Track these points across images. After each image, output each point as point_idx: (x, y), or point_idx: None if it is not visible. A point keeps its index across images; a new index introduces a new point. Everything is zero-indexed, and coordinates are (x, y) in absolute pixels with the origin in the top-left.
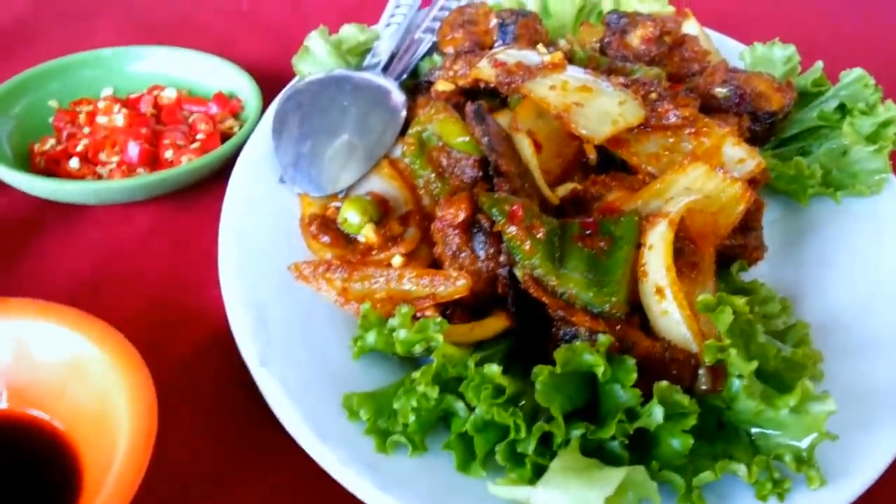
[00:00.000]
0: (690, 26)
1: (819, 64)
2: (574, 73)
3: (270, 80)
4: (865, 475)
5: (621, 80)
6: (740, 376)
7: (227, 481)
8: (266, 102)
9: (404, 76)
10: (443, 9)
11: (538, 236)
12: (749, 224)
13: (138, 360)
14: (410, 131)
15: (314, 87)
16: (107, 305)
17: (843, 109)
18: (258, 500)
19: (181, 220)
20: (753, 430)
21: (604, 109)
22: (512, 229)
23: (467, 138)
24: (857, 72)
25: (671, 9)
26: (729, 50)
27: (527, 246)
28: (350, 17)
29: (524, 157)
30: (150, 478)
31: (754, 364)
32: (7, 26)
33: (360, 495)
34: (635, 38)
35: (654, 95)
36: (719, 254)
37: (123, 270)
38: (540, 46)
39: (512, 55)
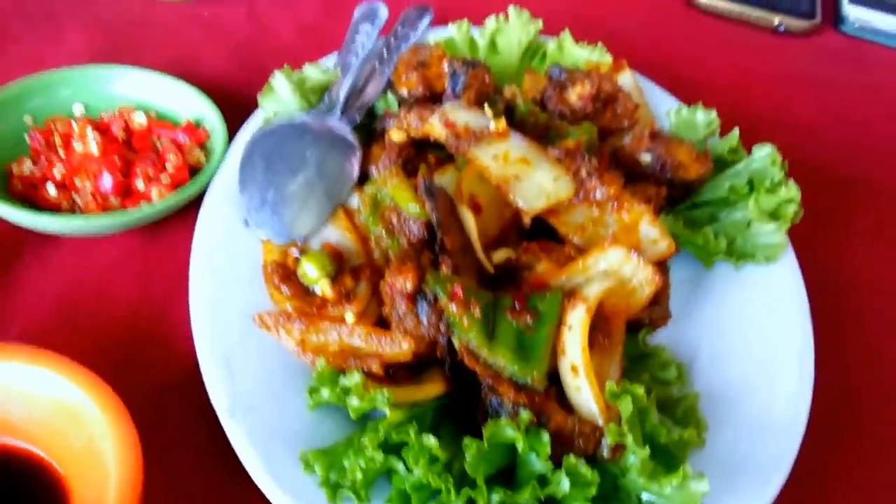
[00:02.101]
0: (625, 77)
1: (736, 132)
2: (515, 142)
3: (229, 101)
4: None
5: (555, 152)
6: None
7: None
8: (228, 126)
9: (359, 117)
10: (398, 37)
11: (475, 314)
12: (656, 299)
13: (124, 410)
14: (367, 190)
15: (277, 132)
16: (77, 339)
17: (751, 185)
18: None
19: (150, 251)
20: (644, 496)
21: (539, 184)
22: (452, 307)
23: (417, 207)
24: (768, 149)
25: (608, 58)
26: (658, 101)
27: (464, 322)
28: (306, 34)
29: (467, 229)
30: None
31: (647, 450)
32: None
33: None
34: (573, 95)
35: (583, 172)
36: (628, 322)
37: (94, 302)
38: (487, 108)
39: (461, 116)
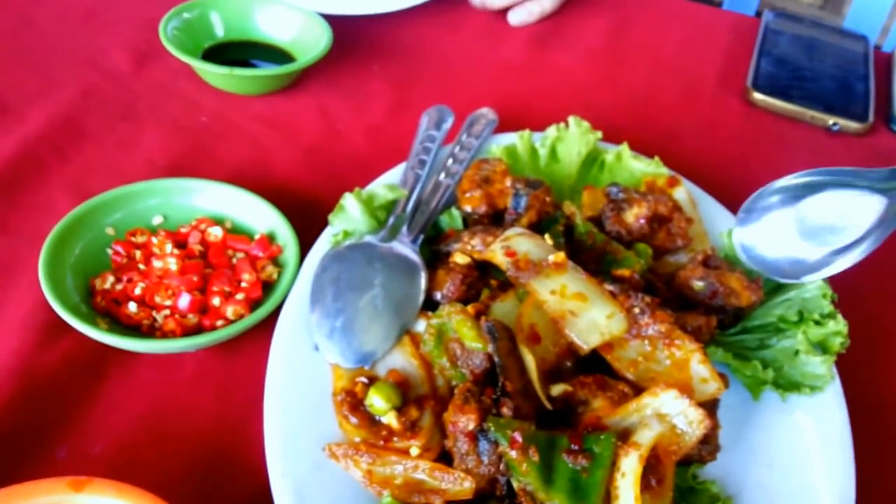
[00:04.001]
0: (679, 192)
1: None
2: (573, 276)
3: (300, 205)
4: None
5: (610, 287)
6: None
7: None
8: (298, 234)
9: (423, 234)
10: (463, 148)
11: (533, 459)
12: (706, 438)
13: None
14: (432, 322)
15: (346, 257)
16: (157, 456)
17: (801, 315)
18: None
19: (226, 366)
20: None
21: (593, 320)
22: (512, 453)
23: (480, 345)
24: (819, 282)
25: (664, 170)
26: (711, 211)
27: (523, 468)
28: (374, 135)
29: (527, 369)
30: None
31: None
32: (56, 122)
33: None
34: (630, 216)
35: (636, 310)
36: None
37: (172, 418)
38: (547, 237)
39: (522, 245)
